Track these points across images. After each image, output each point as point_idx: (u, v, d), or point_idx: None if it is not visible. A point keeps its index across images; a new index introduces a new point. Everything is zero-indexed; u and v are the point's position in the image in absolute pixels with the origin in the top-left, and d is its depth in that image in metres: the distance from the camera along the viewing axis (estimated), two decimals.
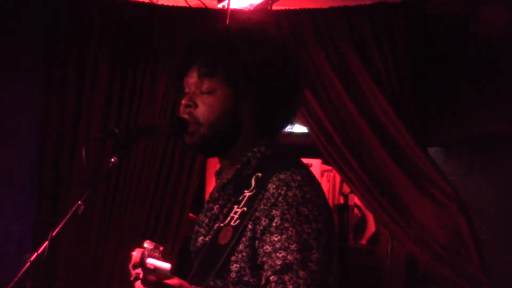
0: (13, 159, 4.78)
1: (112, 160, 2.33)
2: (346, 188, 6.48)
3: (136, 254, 1.97)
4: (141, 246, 2.00)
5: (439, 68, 4.49)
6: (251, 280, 2.26)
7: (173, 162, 4.62)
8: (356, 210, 6.76)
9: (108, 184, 4.60)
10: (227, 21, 4.36)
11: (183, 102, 2.37)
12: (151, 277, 1.99)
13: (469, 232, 4.04)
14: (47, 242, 2.18)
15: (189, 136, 2.37)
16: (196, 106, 2.36)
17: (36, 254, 2.19)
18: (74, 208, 2.25)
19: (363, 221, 6.75)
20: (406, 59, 4.39)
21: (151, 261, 1.98)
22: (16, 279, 2.16)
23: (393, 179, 4.28)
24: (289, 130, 2.53)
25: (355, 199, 6.60)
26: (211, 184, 6.21)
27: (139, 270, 1.97)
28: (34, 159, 4.77)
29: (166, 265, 2.01)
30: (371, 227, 6.62)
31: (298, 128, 5.46)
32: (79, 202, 2.25)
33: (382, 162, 4.30)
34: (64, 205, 4.60)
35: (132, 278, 1.99)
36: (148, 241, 2.02)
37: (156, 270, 1.99)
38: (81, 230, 4.59)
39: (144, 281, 1.98)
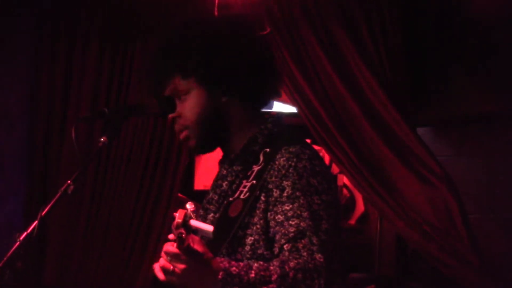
0: (3, 138, 4.76)
1: (102, 139, 2.34)
2: (335, 169, 6.47)
3: (178, 214, 1.98)
4: (183, 207, 2.01)
5: (428, 48, 4.49)
6: (265, 252, 2.27)
7: (163, 142, 4.62)
8: (345, 190, 6.76)
9: (98, 164, 4.60)
10: (216, 2, 4.35)
11: (169, 116, 2.46)
12: (192, 238, 1.99)
13: (458, 212, 4.05)
14: (36, 222, 2.19)
15: (186, 142, 2.47)
16: (179, 114, 2.44)
17: (25, 233, 2.19)
18: (63, 187, 2.25)
19: (352, 201, 6.76)
20: (396, 40, 4.37)
21: (194, 223, 1.99)
22: (6, 258, 2.16)
23: (383, 159, 4.28)
24: (278, 111, 2.58)
25: (344, 179, 6.60)
26: (200, 165, 6.21)
27: (182, 230, 1.96)
28: (24, 138, 4.76)
29: (209, 227, 2.02)
30: (360, 207, 6.63)
31: (288, 108, 5.46)
32: (69, 181, 2.26)
33: (372, 142, 4.30)
34: (54, 185, 4.60)
35: (174, 238, 1.99)
36: (190, 202, 2.04)
37: (198, 231, 2.00)
38: (71, 209, 4.59)
39: (180, 241, 1.97)
